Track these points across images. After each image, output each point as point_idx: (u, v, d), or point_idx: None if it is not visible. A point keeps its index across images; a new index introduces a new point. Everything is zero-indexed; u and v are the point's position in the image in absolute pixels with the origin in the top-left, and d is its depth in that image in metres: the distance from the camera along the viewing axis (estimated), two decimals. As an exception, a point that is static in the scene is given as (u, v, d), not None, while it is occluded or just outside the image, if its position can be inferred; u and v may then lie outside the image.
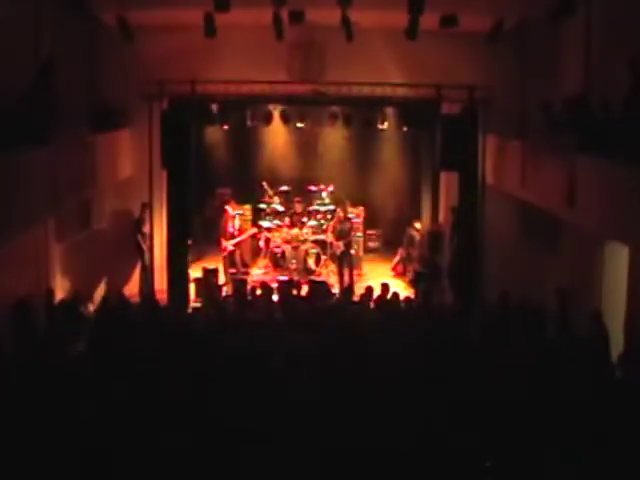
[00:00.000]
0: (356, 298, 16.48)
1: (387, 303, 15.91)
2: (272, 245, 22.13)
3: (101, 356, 11.96)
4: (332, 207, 22.60)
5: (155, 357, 11.79)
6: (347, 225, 21.38)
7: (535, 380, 10.76)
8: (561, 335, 13.57)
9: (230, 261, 21.23)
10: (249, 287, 17.88)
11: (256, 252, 23.18)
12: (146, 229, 19.79)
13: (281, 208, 22.72)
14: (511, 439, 9.07)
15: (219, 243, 21.39)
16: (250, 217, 23.14)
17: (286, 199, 22.98)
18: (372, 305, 15.80)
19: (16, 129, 12.52)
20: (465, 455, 8.66)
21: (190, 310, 17.54)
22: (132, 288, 19.71)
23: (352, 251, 21.44)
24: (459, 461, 8.57)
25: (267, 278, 20.96)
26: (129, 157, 20.05)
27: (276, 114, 20.75)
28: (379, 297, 16.56)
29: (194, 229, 22.41)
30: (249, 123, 20.89)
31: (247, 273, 21.55)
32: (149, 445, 8.85)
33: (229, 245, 21.10)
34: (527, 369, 11.26)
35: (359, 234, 22.87)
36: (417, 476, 8.42)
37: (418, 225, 22.54)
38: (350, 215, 22.06)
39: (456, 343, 12.60)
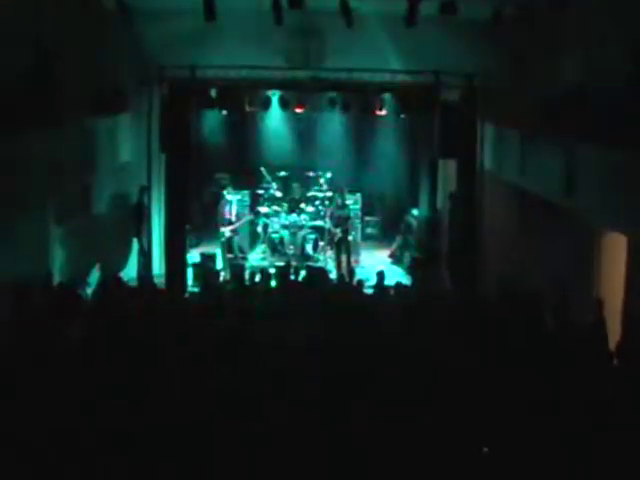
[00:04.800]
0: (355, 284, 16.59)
1: (382, 291, 16.00)
2: (270, 231, 22.16)
3: (98, 339, 11.99)
4: (330, 193, 22.60)
5: (152, 341, 11.82)
6: (344, 211, 21.42)
7: (533, 368, 10.80)
8: (558, 323, 13.60)
9: (228, 246, 21.24)
10: (247, 273, 17.93)
11: (254, 238, 23.19)
12: (144, 213, 19.79)
13: (279, 194, 22.72)
14: (508, 426, 9.11)
15: (217, 228, 21.42)
16: (248, 202, 23.12)
17: (284, 185, 22.98)
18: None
19: (17, 113, 12.53)
20: (463, 441, 8.70)
21: (187, 295, 17.56)
22: (130, 272, 19.73)
23: (350, 237, 21.47)
24: (457, 447, 8.61)
25: (265, 264, 21.00)
26: (128, 141, 20.05)
27: (274, 99, 20.78)
28: (376, 285, 16.68)
29: (192, 214, 22.45)
30: (247, 108, 20.93)
31: (245, 259, 21.57)
32: (144, 429, 8.88)
33: (227, 230, 21.12)
34: (525, 357, 11.29)
35: (357, 220, 22.89)
36: (416, 461, 8.45)
37: (416, 212, 22.56)
38: (348, 201, 22.11)
39: (454, 329, 12.63)
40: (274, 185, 22.81)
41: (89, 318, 13.32)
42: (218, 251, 21.17)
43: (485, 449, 8.66)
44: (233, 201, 21.59)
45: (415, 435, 8.78)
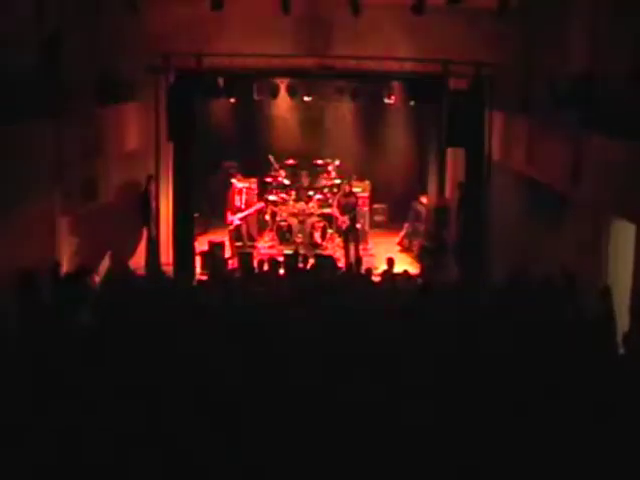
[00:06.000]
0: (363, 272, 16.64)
1: (393, 278, 15.99)
2: (278, 219, 22.15)
3: (106, 328, 12.01)
4: (338, 181, 22.58)
5: (160, 329, 11.84)
6: (352, 199, 21.41)
7: (541, 357, 10.79)
8: (567, 312, 13.58)
9: (236, 234, 21.28)
10: (256, 261, 17.93)
11: (262, 226, 23.18)
12: (152, 202, 19.79)
13: (287, 182, 22.70)
14: (514, 415, 9.11)
15: (225, 216, 21.43)
16: (256, 191, 23.08)
17: (292, 173, 22.95)
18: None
19: (23, 101, 12.53)
20: (469, 434, 8.70)
21: (195, 283, 17.58)
22: (138, 261, 19.73)
23: (358, 225, 21.46)
24: (461, 441, 8.61)
25: (273, 252, 21.00)
26: (135, 130, 20.05)
27: (282, 88, 20.74)
28: (384, 272, 16.67)
29: (200, 202, 22.43)
30: (255, 96, 20.90)
31: (253, 247, 21.58)
32: (152, 417, 8.91)
33: (235, 219, 21.14)
34: (534, 346, 11.27)
35: (365, 208, 22.87)
36: (420, 453, 8.46)
37: (424, 200, 22.53)
38: (355, 189, 22.09)
39: (462, 319, 12.62)
40: (282, 173, 22.78)
41: (98, 306, 13.35)
42: (226, 239, 21.19)
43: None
44: (241, 189, 21.58)
45: (420, 424, 8.79)
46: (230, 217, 21.18)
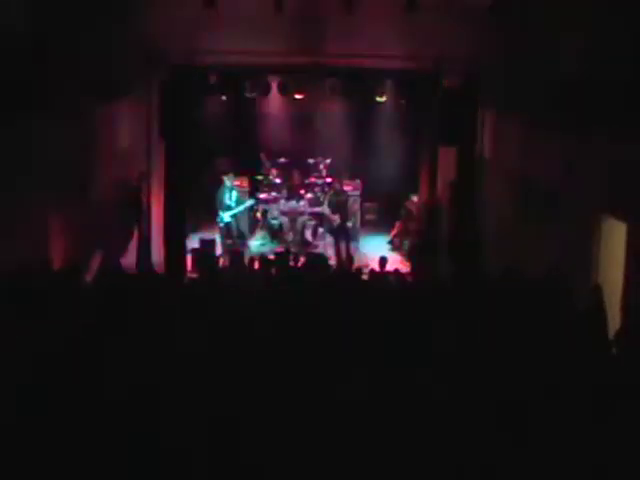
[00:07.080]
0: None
1: (384, 277, 15.97)
2: (269, 217, 22.16)
3: (97, 326, 11.99)
4: (329, 179, 22.59)
5: (151, 327, 11.82)
6: (342, 197, 21.41)
7: (535, 355, 10.79)
8: (561, 310, 13.58)
9: (227, 232, 21.25)
10: (247, 259, 17.94)
11: (253, 224, 23.18)
12: (144, 199, 19.75)
13: (278, 180, 22.71)
14: (506, 414, 9.11)
15: (216, 214, 21.42)
16: (248, 188, 23.08)
17: (284, 171, 22.96)
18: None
19: (14, 99, 12.50)
20: (465, 432, 8.69)
21: (187, 281, 17.56)
22: (129, 258, 19.69)
23: (349, 224, 21.47)
24: (458, 439, 8.60)
25: (264, 250, 21.01)
26: (128, 127, 19.99)
27: (274, 85, 20.72)
28: (372, 270, 16.66)
29: (192, 200, 22.42)
30: (248, 94, 20.87)
31: (244, 244, 21.57)
32: (146, 414, 8.89)
33: (226, 216, 21.12)
34: (528, 343, 11.28)
35: (356, 207, 22.89)
36: (416, 452, 8.45)
37: (415, 198, 22.53)
38: (346, 187, 22.10)
39: (454, 317, 12.61)
40: (274, 171, 22.78)
41: (89, 304, 13.32)
42: (217, 237, 21.17)
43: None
44: (233, 187, 21.59)
45: (414, 422, 8.79)
46: (221, 215, 21.16)
